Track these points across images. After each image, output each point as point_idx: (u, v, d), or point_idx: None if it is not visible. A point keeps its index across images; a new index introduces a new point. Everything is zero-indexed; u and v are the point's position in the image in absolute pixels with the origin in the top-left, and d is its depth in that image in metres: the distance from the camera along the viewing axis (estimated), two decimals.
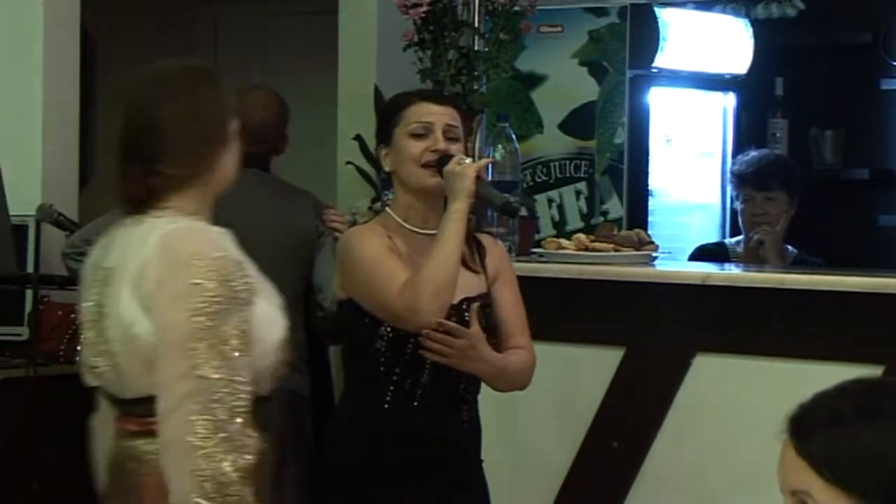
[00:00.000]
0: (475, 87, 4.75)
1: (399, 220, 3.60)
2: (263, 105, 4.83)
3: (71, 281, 4.44)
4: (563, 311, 4.39)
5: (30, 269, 4.84)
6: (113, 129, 2.86)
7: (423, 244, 3.55)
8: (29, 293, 4.95)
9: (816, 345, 3.94)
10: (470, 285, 3.61)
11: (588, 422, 4.35)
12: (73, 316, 5.01)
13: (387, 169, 3.65)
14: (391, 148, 3.61)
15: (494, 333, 3.61)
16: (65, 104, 5.32)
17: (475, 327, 3.51)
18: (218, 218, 4.53)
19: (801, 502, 1.69)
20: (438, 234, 3.48)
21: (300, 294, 4.71)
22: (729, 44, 5.91)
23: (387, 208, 3.69)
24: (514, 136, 4.68)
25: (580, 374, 4.40)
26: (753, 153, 5.39)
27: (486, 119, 4.99)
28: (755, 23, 6.08)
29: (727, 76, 5.89)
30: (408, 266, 3.52)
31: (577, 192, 5.68)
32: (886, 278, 3.95)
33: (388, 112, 3.67)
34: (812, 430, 1.70)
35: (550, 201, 5.68)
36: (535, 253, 4.65)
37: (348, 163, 5.43)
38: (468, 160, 3.53)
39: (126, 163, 2.78)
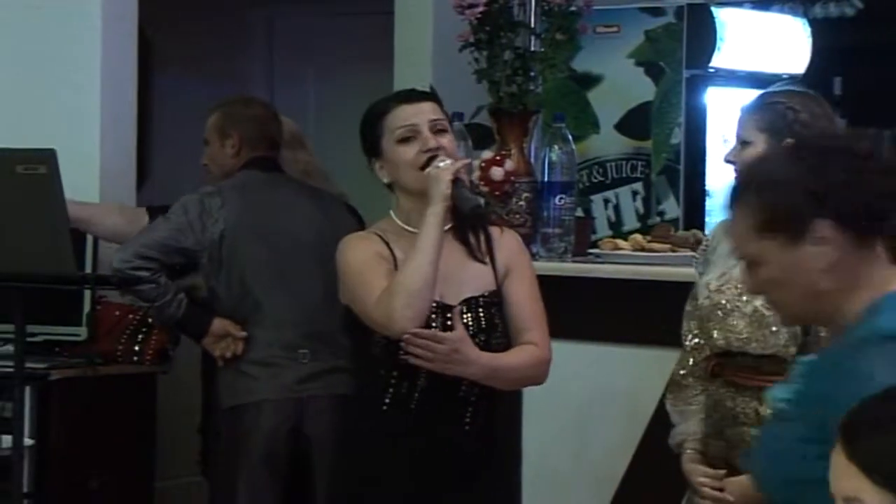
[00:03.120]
0: (531, 88, 4.73)
1: (400, 223, 3.55)
2: (274, 113, 4.88)
3: (127, 283, 4.46)
4: (618, 311, 4.36)
5: (87, 270, 4.86)
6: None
7: None
8: (87, 294, 4.97)
9: None
10: (476, 282, 3.54)
11: (644, 424, 4.31)
12: (130, 316, 5.03)
13: (385, 181, 3.57)
14: (384, 159, 3.55)
15: (495, 333, 3.52)
16: (122, 104, 5.33)
17: (458, 330, 3.45)
18: (261, 219, 4.60)
19: None
20: (417, 240, 3.43)
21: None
22: (786, 43, 5.87)
23: (390, 212, 3.65)
24: (569, 137, 4.66)
25: (636, 376, 4.36)
26: None
27: (541, 119, 4.97)
28: (813, 22, 6.04)
29: (785, 76, 5.82)
30: None
31: (634, 193, 5.65)
32: None
33: (369, 125, 3.60)
34: (861, 433, 1.71)
35: (607, 202, 5.65)
36: (591, 253, 4.62)
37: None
38: (447, 162, 3.46)
39: None
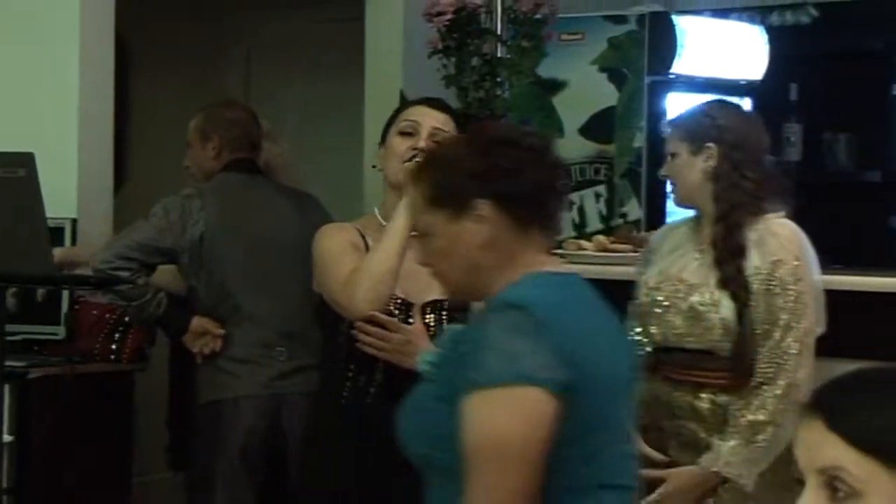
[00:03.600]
0: (498, 93, 4.76)
1: (381, 219, 3.59)
2: (253, 115, 4.90)
3: (105, 283, 4.47)
4: None
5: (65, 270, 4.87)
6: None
7: None
8: (65, 294, 4.99)
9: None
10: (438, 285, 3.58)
11: None
12: (107, 316, 5.04)
13: (379, 168, 3.67)
14: (385, 147, 3.65)
15: None
16: (100, 109, 5.33)
17: (417, 325, 3.48)
18: (240, 220, 4.61)
19: (830, 480, 1.65)
20: (386, 228, 3.47)
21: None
22: (744, 50, 5.90)
23: (374, 209, 3.69)
24: None
25: None
26: None
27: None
28: (770, 30, 6.08)
29: (743, 82, 5.89)
30: None
31: (597, 195, 5.68)
32: None
33: (392, 115, 3.71)
34: (842, 404, 1.67)
35: (571, 204, 5.68)
36: (555, 254, 4.64)
37: (374, 167, 5.43)
38: None
39: None
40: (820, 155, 6.40)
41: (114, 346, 5.03)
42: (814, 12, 6.37)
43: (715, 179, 3.66)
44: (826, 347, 3.88)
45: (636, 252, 4.46)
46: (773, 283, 3.56)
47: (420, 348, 3.38)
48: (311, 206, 4.75)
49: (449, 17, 4.66)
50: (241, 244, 4.57)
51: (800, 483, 1.72)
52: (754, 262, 3.59)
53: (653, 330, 3.67)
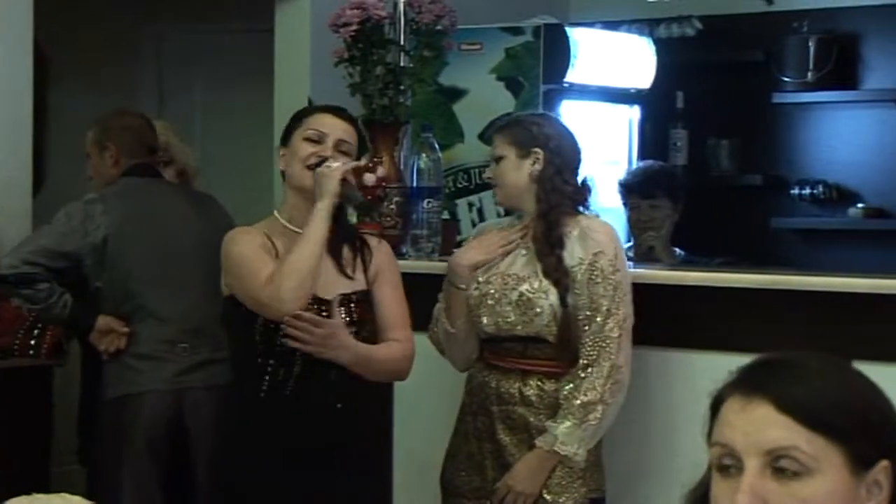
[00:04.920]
0: (401, 100, 4.75)
1: (283, 221, 3.64)
2: (148, 122, 4.94)
3: (23, 281, 4.43)
4: None
5: None
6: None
7: None
8: None
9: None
10: (348, 282, 3.62)
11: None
12: (26, 313, 4.97)
13: (280, 168, 3.69)
14: (287, 148, 3.66)
15: (365, 328, 3.60)
16: (19, 115, 5.27)
17: (336, 319, 3.53)
18: (147, 223, 4.58)
19: (776, 460, 1.64)
20: (304, 229, 3.50)
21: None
22: (633, 60, 5.94)
23: (275, 212, 3.70)
24: (437, 146, 4.69)
25: None
26: (640, 164, 5.46)
27: (411, 130, 4.99)
28: (657, 41, 6.13)
29: (632, 90, 5.93)
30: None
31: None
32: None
33: (295, 117, 3.72)
34: (790, 387, 1.67)
35: (471, 205, 5.69)
36: (455, 253, 4.64)
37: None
38: (338, 163, 3.55)
39: None
40: (704, 159, 6.46)
41: (32, 342, 4.96)
42: (698, 25, 6.43)
43: (539, 182, 3.80)
44: (713, 340, 3.92)
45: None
46: (595, 272, 3.72)
47: (341, 340, 3.49)
48: (212, 207, 4.77)
49: (354, 28, 4.65)
50: (144, 245, 4.56)
51: (723, 467, 1.69)
52: (578, 253, 3.74)
53: (484, 320, 3.80)
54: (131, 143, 4.72)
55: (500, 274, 3.81)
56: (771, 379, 1.70)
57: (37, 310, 4.52)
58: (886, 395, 1.72)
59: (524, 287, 3.75)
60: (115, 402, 4.52)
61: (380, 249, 3.73)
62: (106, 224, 4.50)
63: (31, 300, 4.46)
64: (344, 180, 3.53)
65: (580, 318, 3.70)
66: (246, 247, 3.57)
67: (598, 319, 3.69)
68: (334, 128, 3.63)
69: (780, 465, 1.65)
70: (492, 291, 3.80)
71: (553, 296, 3.72)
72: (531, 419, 3.74)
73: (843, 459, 1.64)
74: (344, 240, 3.65)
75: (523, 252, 3.83)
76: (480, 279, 3.84)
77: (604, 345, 3.67)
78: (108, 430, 4.55)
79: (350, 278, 3.63)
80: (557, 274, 3.73)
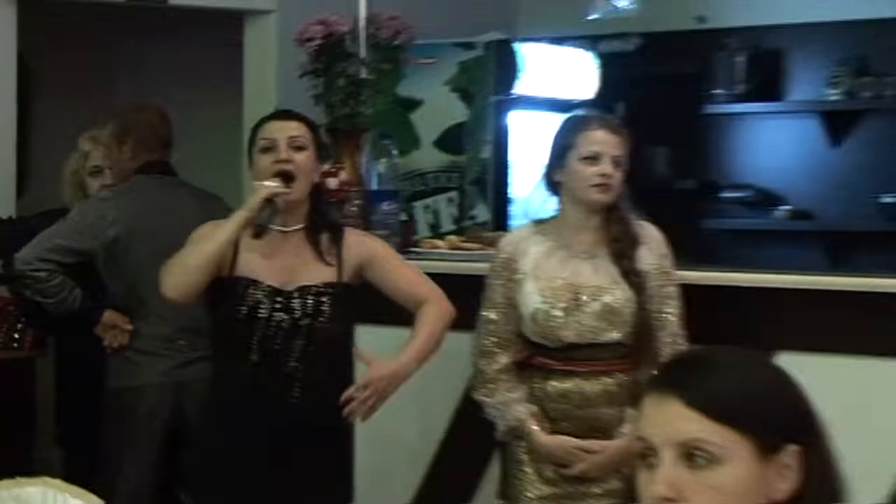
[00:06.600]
0: (361, 110, 4.76)
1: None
2: (164, 116, 4.80)
3: (12, 280, 4.41)
4: None
5: None
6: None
7: (278, 240, 3.54)
8: None
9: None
10: (314, 275, 3.53)
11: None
12: (10, 308, 4.94)
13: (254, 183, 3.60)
14: (252, 165, 3.61)
15: (321, 316, 3.49)
16: (3, 125, 5.25)
17: (374, 370, 3.48)
18: (151, 222, 4.54)
19: (689, 451, 1.66)
20: (215, 231, 3.47)
21: None
22: (578, 73, 5.97)
23: None
24: (394, 152, 4.70)
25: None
26: None
27: (371, 137, 4.99)
28: (600, 56, 6.16)
29: (576, 101, 5.94)
30: (263, 260, 3.51)
31: (450, 200, 5.70)
32: None
33: (250, 136, 3.66)
34: (697, 382, 1.68)
35: (427, 207, 5.70)
36: (413, 251, 4.65)
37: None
38: (272, 184, 3.47)
39: None
40: (642, 165, 6.48)
41: (16, 336, 4.93)
42: (637, 41, 6.45)
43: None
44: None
45: (484, 250, 4.48)
46: (664, 274, 3.65)
47: (394, 370, 3.50)
48: (218, 208, 4.70)
49: (318, 42, 4.65)
50: (150, 244, 4.50)
51: (645, 459, 1.70)
52: (647, 258, 3.65)
53: (563, 333, 3.59)
54: (146, 138, 4.65)
55: (569, 284, 3.60)
56: (681, 376, 1.72)
57: (49, 304, 4.47)
58: (798, 384, 1.74)
59: (607, 298, 3.59)
60: (116, 392, 4.52)
61: (361, 242, 3.64)
62: (117, 223, 4.46)
63: (44, 294, 4.42)
64: (269, 200, 3.46)
65: (655, 319, 3.61)
66: (198, 233, 3.54)
67: (672, 319, 3.63)
68: (282, 130, 3.57)
69: (692, 456, 1.67)
70: (562, 305, 3.59)
71: (633, 302, 3.59)
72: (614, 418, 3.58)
73: (750, 447, 1.66)
74: (323, 230, 3.59)
75: (583, 256, 3.67)
76: (546, 295, 3.60)
77: (679, 342, 3.61)
78: (110, 416, 4.54)
79: (330, 266, 3.54)
80: (638, 279, 3.60)
